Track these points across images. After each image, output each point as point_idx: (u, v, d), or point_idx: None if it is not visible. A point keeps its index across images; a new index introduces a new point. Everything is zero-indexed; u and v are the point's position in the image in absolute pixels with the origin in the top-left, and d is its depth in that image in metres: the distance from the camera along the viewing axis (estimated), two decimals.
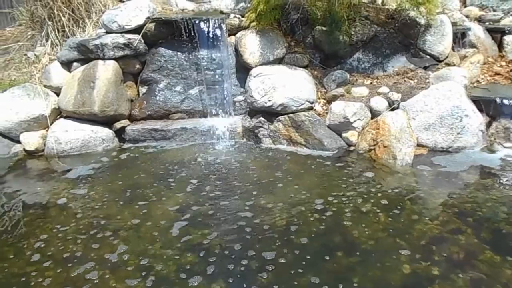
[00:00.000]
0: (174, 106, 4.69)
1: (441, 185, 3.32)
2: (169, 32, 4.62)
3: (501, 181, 3.35)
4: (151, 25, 4.58)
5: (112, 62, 4.51)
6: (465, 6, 5.78)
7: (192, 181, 3.53)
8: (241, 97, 4.61)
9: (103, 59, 4.49)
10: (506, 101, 3.89)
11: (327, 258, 2.43)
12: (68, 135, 4.31)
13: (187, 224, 2.85)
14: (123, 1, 5.31)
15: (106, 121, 4.48)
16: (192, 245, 2.60)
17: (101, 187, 3.49)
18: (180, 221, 2.89)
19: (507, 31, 4.96)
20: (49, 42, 5.14)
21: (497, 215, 2.83)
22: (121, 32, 4.55)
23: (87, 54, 4.54)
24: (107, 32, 4.62)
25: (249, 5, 4.62)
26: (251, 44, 4.46)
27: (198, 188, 3.39)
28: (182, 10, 5.19)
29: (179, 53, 4.67)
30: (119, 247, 2.60)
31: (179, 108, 4.69)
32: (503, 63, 4.79)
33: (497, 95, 4.00)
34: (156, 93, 4.68)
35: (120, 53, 4.52)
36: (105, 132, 4.44)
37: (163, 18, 4.57)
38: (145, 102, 4.68)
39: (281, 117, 4.20)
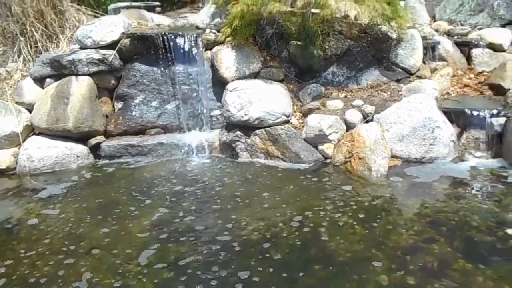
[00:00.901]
0: (151, 121, 4.66)
1: (415, 195, 3.38)
2: (145, 47, 4.62)
3: (473, 190, 3.43)
4: (126, 41, 4.57)
5: (87, 77, 4.46)
6: (435, 21, 5.98)
7: (168, 197, 3.50)
8: (217, 112, 4.62)
9: (77, 75, 4.44)
10: (475, 112, 4.00)
11: (304, 272, 2.43)
12: (41, 152, 4.21)
13: (163, 242, 2.80)
14: (98, 17, 5.30)
15: (81, 138, 4.41)
16: (168, 263, 2.56)
17: (75, 206, 3.41)
18: (155, 239, 2.84)
19: (475, 45, 5.13)
20: (21, 58, 5.05)
21: (468, 224, 2.89)
22: (95, 48, 4.51)
23: (60, 70, 4.48)
24: (82, 48, 4.58)
25: (224, 20, 4.66)
26: (227, 59, 4.48)
27: (175, 205, 3.35)
28: (158, 25, 5.20)
29: (155, 68, 4.66)
30: (91, 268, 2.53)
31: (156, 123, 4.66)
32: (472, 76, 4.94)
33: (467, 107, 4.12)
34: (132, 109, 4.64)
35: (94, 69, 4.48)
36: (80, 149, 4.37)
37: (138, 34, 4.57)
38: (120, 117, 4.64)
39: (257, 131, 4.21)
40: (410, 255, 2.57)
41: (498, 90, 4.46)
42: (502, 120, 3.91)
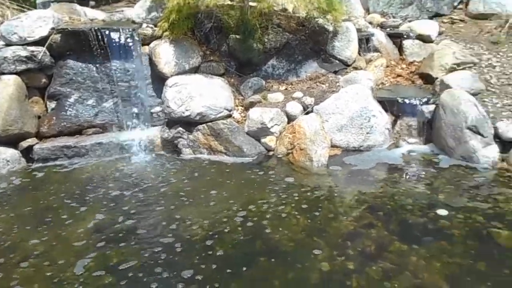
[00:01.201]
0: (87, 120, 4.46)
1: (355, 183, 3.51)
2: (78, 43, 4.39)
3: (406, 175, 3.62)
4: (57, 36, 4.33)
5: (14, 76, 4.18)
6: (369, 13, 6.21)
7: (108, 198, 3.37)
8: (158, 108, 4.51)
9: (3, 73, 4.15)
10: (407, 101, 4.22)
11: (248, 266, 2.44)
12: None
13: (101, 248, 2.69)
14: (25, 11, 4.96)
15: (10, 141, 4.14)
16: (107, 269, 2.47)
17: (5, 214, 3.19)
18: (93, 246, 2.72)
19: (406, 36, 5.39)
20: None
21: (403, 207, 3.05)
22: (22, 44, 4.23)
23: None
24: (7, 45, 4.27)
25: (161, 14, 4.55)
26: (166, 54, 4.38)
27: (115, 206, 3.24)
28: (92, 20, 4.96)
29: (90, 65, 4.45)
30: (23, 281, 2.40)
31: (93, 122, 4.47)
32: (404, 66, 5.19)
33: (400, 96, 4.32)
34: (67, 108, 4.41)
35: (22, 67, 4.20)
36: (10, 153, 4.09)
37: (70, 29, 4.34)
38: (54, 118, 4.40)
39: (200, 126, 4.17)
40: (350, 241, 2.66)
41: (428, 79, 4.72)
42: (431, 107, 4.15)
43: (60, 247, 2.74)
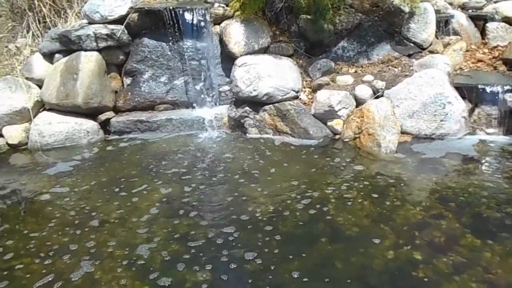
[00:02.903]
0: (159, 97, 4.66)
1: (425, 171, 3.36)
2: (153, 22, 4.57)
3: (483, 166, 3.41)
4: (134, 15, 4.53)
5: (95, 53, 4.46)
6: None
7: (177, 172, 3.53)
8: (226, 87, 4.60)
9: (86, 50, 4.44)
10: (488, 88, 3.93)
11: (311, 247, 2.44)
12: (52, 128, 4.26)
13: (172, 215, 2.85)
14: None
15: (91, 113, 4.45)
16: (177, 236, 2.60)
17: (86, 180, 3.47)
18: (165, 212, 2.89)
19: (490, 18, 4.99)
20: (30, 34, 5.06)
21: (478, 200, 2.88)
22: (103, 23, 4.49)
23: (69, 45, 4.47)
24: (90, 23, 4.56)
25: None
26: (236, 34, 4.43)
27: (184, 179, 3.38)
28: None
29: (163, 43, 4.62)
30: (105, 240, 2.60)
31: (164, 99, 4.67)
32: (486, 50, 4.82)
33: (480, 82, 4.04)
34: (141, 84, 4.64)
35: (103, 44, 4.47)
36: (90, 124, 4.41)
37: (146, 8, 4.52)
38: (129, 93, 4.65)
39: (266, 107, 4.20)
40: (417, 230, 2.57)
41: None
42: None
43: (144, 205, 2.99)
